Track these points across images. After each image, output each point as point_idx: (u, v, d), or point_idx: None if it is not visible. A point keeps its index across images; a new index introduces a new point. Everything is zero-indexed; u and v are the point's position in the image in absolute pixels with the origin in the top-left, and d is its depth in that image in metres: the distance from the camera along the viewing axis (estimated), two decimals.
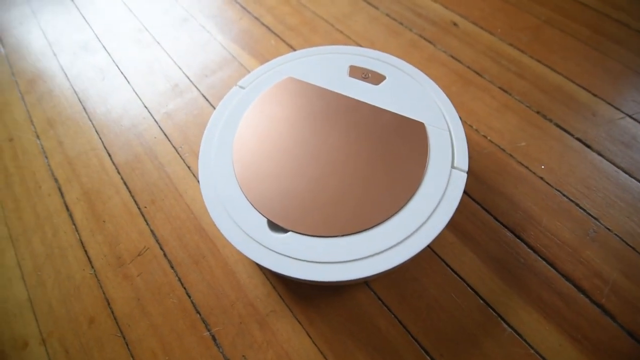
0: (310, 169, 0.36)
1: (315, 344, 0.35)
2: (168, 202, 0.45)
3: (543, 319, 0.34)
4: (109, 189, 0.47)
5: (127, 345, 0.38)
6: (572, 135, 0.43)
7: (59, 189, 0.49)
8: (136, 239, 0.43)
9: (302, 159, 0.37)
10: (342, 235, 0.32)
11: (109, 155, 0.50)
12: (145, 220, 0.44)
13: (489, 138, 0.45)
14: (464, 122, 0.46)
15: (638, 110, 0.45)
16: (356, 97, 0.40)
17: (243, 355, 0.36)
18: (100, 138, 0.52)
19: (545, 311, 0.35)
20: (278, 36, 0.57)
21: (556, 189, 0.40)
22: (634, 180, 0.40)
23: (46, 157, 0.52)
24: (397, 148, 0.36)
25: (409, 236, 0.32)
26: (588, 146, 0.43)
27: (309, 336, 0.36)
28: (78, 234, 0.45)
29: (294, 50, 0.55)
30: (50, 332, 0.40)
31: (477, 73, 0.50)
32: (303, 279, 0.31)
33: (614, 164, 0.41)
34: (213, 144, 0.39)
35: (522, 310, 0.35)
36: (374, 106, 0.39)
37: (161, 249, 0.42)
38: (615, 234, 0.37)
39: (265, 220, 0.34)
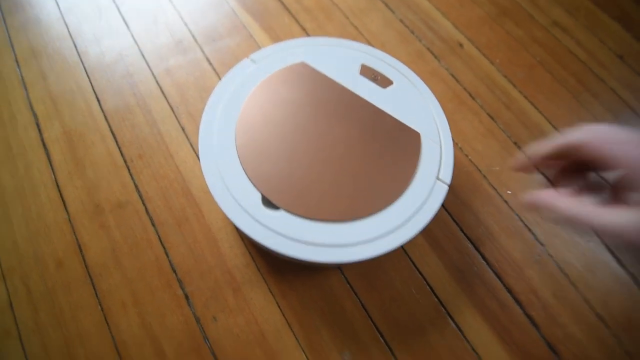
0: (309, 155, 0.38)
1: (284, 316, 0.38)
2: (157, 160, 0.45)
3: (483, 320, 0.40)
4: (94, 134, 0.46)
5: (96, 293, 0.38)
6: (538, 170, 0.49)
7: (37, 125, 0.46)
8: (118, 191, 0.43)
9: (303, 144, 0.39)
10: (328, 221, 0.35)
11: (98, 100, 0.48)
12: (130, 174, 0.44)
13: (469, 157, 0.49)
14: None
15: None
16: (363, 96, 0.42)
17: (214, 317, 0.38)
18: (89, 80, 0.50)
19: (485, 314, 0.40)
20: (292, 15, 0.56)
21: (516, 214, 0.46)
22: None
23: (25, 89, 0.49)
24: (391, 151, 0.39)
25: (386, 234, 0.35)
26: (550, 182, 0.48)
27: (279, 307, 0.38)
28: (54, 174, 0.43)
29: (307, 32, 0.56)
30: (12, 268, 0.39)
31: (471, 96, 0.54)
32: (284, 253, 0.33)
33: None
34: (217, 112, 0.39)
35: (467, 311, 0.40)
36: (378, 108, 0.41)
37: (144, 204, 0.42)
38: (555, 261, 0.44)
39: (259, 195, 0.35)
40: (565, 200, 0.22)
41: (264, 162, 0.37)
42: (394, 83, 0.43)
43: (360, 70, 0.43)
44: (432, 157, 0.39)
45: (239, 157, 0.37)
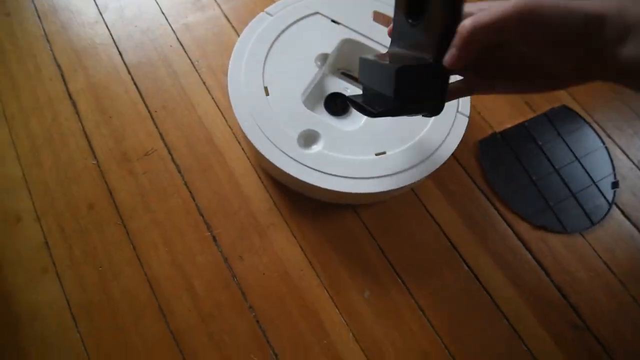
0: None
1: (306, 255, 0.40)
2: (180, 111, 0.46)
3: (495, 264, 0.42)
4: (118, 86, 0.47)
5: (127, 233, 0.40)
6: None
7: (62, 76, 0.47)
8: (144, 139, 0.44)
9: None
10: (360, 155, 0.37)
11: (120, 54, 0.49)
12: (155, 124, 0.45)
13: (481, 114, 0.50)
14: None
15: (605, 120, 0.53)
16: (378, 40, 0.43)
17: (240, 256, 0.40)
18: (110, 34, 0.50)
19: (497, 259, 0.42)
20: None
21: None
22: None
23: (48, 42, 0.49)
24: None
25: (418, 163, 0.37)
26: None
27: (301, 248, 0.40)
28: (81, 123, 0.45)
29: None
30: (46, 211, 0.41)
31: None
32: (323, 187, 0.35)
33: None
34: (242, 65, 0.40)
35: (480, 256, 0.42)
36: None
37: (169, 152, 0.44)
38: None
39: (295, 135, 0.37)
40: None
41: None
42: None
43: (374, 17, 0.44)
44: None
45: (269, 103, 0.38)
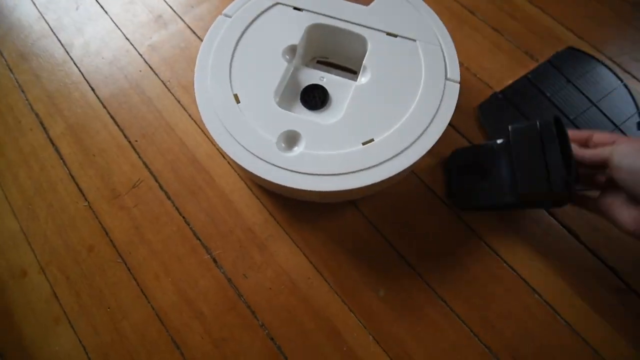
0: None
1: (311, 262, 0.38)
2: (159, 136, 0.45)
3: (516, 237, 0.38)
4: (96, 123, 0.46)
5: (129, 269, 0.39)
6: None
7: (41, 124, 0.47)
8: (129, 172, 0.43)
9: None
10: (349, 149, 0.34)
11: (92, 89, 0.48)
12: (137, 154, 0.44)
13: (478, 76, 0.46)
14: None
15: (619, 54, 0.47)
16: (348, 19, 0.39)
17: (243, 274, 0.38)
18: (80, 71, 0.49)
19: (517, 231, 0.38)
20: None
21: None
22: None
23: (22, 92, 0.49)
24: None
25: (413, 142, 0.34)
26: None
27: (305, 255, 0.38)
28: (67, 168, 0.44)
29: None
30: (49, 261, 0.41)
31: (471, 11, 0.50)
32: (310, 190, 0.33)
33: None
34: (207, 74, 0.38)
35: (499, 231, 0.39)
36: (365, 27, 0.39)
37: (156, 180, 0.42)
38: None
39: (274, 140, 0.34)
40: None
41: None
42: None
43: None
44: (436, 60, 0.37)
45: (241, 110, 0.36)
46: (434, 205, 0.40)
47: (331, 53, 0.44)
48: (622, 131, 0.43)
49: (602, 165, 0.29)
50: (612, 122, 0.43)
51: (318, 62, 0.45)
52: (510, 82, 0.45)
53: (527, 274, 0.37)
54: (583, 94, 0.45)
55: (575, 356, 0.34)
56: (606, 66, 0.46)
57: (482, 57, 0.47)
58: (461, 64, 0.47)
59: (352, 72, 0.44)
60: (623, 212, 0.27)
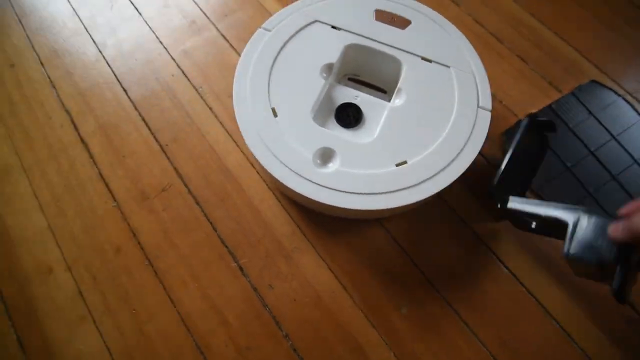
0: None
1: (336, 276, 0.39)
2: (190, 142, 0.45)
3: (535, 263, 0.39)
4: (127, 124, 0.47)
5: (155, 273, 0.40)
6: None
7: (72, 121, 0.47)
8: (159, 175, 0.44)
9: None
10: (379, 169, 0.35)
11: (124, 90, 0.49)
12: (168, 158, 0.45)
13: (504, 103, 0.47)
14: None
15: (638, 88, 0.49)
16: (383, 41, 0.41)
17: (269, 284, 0.39)
18: (112, 71, 0.50)
19: (537, 256, 0.40)
20: None
21: None
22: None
23: (54, 87, 0.49)
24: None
25: (441, 169, 0.35)
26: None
27: (331, 270, 0.39)
28: (97, 167, 0.45)
29: None
30: (75, 259, 0.41)
31: (498, 39, 0.51)
32: (344, 206, 0.34)
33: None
34: (246, 87, 0.38)
35: (519, 256, 0.40)
36: (401, 50, 0.40)
37: (185, 186, 0.43)
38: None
39: (310, 156, 0.35)
40: None
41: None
42: (412, 22, 0.42)
43: (375, 16, 0.42)
44: (469, 88, 0.38)
45: (278, 124, 0.37)
46: (458, 228, 0.41)
47: (363, 72, 0.45)
48: (639, 164, 0.44)
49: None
50: (630, 155, 0.45)
51: (349, 79, 0.46)
52: (534, 110, 0.46)
53: (547, 301, 0.38)
54: (604, 126, 0.46)
55: None
56: (627, 101, 0.48)
57: (507, 84, 0.48)
58: None
59: (382, 91, 0.45)
60: None
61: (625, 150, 0.45)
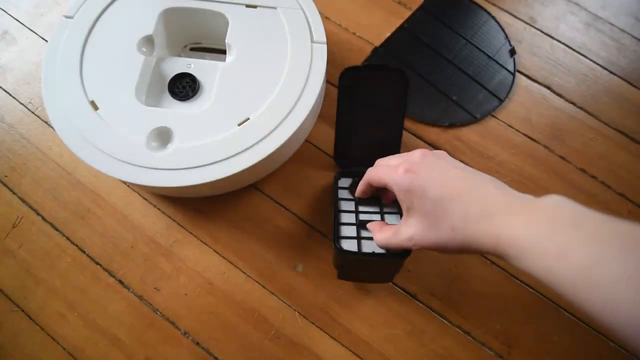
0: None
1: (223, 257, 0.37)
2: (32, 165, 0.40)
3: None
4: None
5: (28, 316, 0.36)
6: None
7: None
8: (5, 212, 0.39)
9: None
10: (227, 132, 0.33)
11: None
12: (10, 190, 0.39)
13: (357, 34, 0.46)
14: (331, 22, 0.46)
15: None
16: None
17: (155, 288, 0.36)
18: None
19: None
20: None
21: None
22: None
23: None
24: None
25: (290, 110, 0.33)
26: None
27: (216, 252, 0.37)
28: None
29: None
30: None
31: None
32: (191, 184, 0.31)
33: None
34: (55, 85, 0.34)
35: None
36: (223, 2, 0.37)
37: (38, 214, 0.38)
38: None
39: (143, 141, 0.32)
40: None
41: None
42: None
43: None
44: (299, 25, 0.36)
45: (101, 117, 0.33)
46: (332, 167, 0.40)
47: (201, 37, 0.42)
48: (496, 61, 0.45)
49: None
50: (485, 54, 0.45)
51: (191, 49, 0.43)
52: (388, 34, 0.45)
53: None
54: (457, 33, 0.46)
55: None
56: (475, 2, 0.48)
57: (357, 15, 0.47)
58: (339, 25, 0.46)
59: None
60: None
61: (480, 50, 0.45)
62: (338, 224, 0.31)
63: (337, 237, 0.30)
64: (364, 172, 0.30)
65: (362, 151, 0.36)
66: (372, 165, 0.30)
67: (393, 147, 0.35)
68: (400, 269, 0.32)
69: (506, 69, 0.45)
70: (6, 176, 0.40)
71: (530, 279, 0.37)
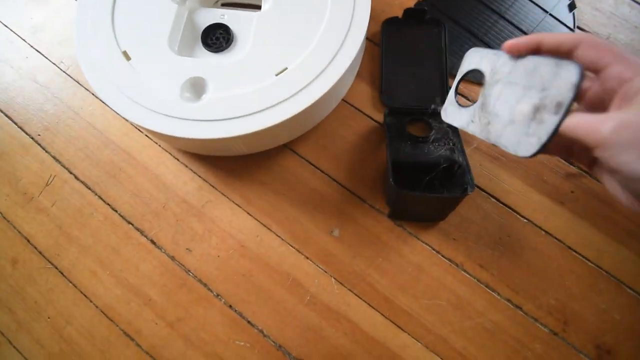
0: None
1: (256, 219, 0.35)
2: (64, 124, 0.39)
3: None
4: None
5: (61, 273, 0.36)
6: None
7: None
8: (39, 170, 0.38)
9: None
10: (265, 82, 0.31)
11: None
12: (43, 148, 0.39)
13: None
14: None
15: None
16: None
17: (187, 249, 0.35)
18: None
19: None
20: None
21: None
22: None
23: None
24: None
25: (330, 61, 0.31)
26: None
27: (249, 213, 0.35)
28: None
29: None
30: None
31: None
32: (224, 136, 0.29)
33: None
34: (88, 35, 0.33)
35: None
36: None
37: (70, 172, 0.38)
38: None
39: (177, 92, 0.30)
40: None
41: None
42: None
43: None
44: None
45: (134, 67, 0.31)
46: (369, 128, 0.37)
47: None
48: (554, 17, 0.41)
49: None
50: (542, 8, 0.41)
51: (223, 4, 0.40)
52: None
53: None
54: None
55: None
56: None
57: None
58: None
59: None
60: (615, 185, 0.19)
61: (535, 3, 0.41)
62: (393, 161, 0.31)
63: (392, 176, 0.30)
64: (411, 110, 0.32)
65: (407, 91, 0.37)
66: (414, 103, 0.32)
67: (437, 90, 0.36)
68: (456, 207, 0.32)
69: (565, 24, 0.40)
70: (39, 135, 0.39)
71: (589, 251, 0.33)
